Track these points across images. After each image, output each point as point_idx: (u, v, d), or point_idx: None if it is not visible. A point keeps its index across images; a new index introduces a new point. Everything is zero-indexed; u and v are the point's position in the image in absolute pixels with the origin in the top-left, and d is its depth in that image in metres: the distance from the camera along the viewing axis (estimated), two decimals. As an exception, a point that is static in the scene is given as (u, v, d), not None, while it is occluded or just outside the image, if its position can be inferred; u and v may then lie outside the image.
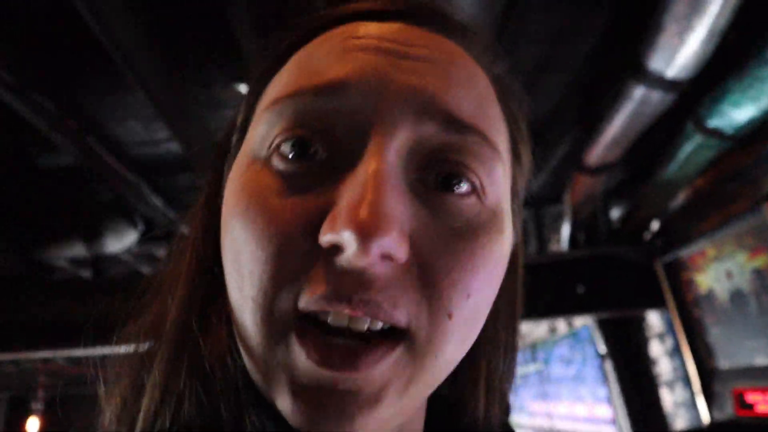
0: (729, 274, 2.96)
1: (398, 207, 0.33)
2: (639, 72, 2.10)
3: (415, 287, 0.34)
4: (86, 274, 4.02)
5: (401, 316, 0.33)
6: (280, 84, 0.40)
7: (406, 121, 0.36)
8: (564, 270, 3.56)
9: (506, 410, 0.53)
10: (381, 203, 0.31)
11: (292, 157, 0.36)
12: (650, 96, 2.17)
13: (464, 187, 0.37)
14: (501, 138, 0.41)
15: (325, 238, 0.32)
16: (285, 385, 0.33)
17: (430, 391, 0.39)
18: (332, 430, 0.32)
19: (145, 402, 0.38)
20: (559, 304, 3.53)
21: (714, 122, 2.29)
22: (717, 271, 3.05)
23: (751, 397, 2.81)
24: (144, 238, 3.57)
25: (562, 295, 3.52)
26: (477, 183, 0.38)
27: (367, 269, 0.32)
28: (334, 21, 0.43)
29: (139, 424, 0.38)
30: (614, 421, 4.01)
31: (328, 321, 0.33)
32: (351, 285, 0.32)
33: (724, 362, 3.03)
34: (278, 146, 0.37)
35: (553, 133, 3.06)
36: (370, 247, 0.30)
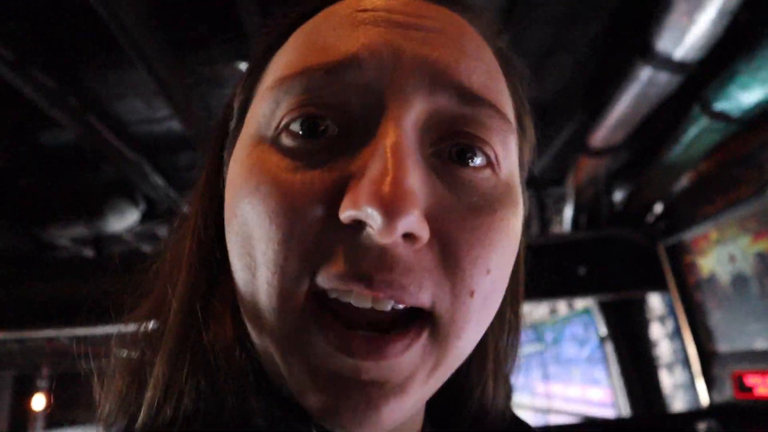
0: (732, 258, 2.96)
1: (419, 183, 0.32)
2: (646, 53, 2.08)
3: (437, 266, 0.33)
4: (89, 253, 4.03)
5: (425, 299, 0.32)
6: (284, 62, 0.39)
7: (421, 93, 0.35)
8: (566, 252, 3.55)
9: (509, 393, 0.52)
10: (404, 179, 0.30)
11: (303, 134, 0.35)
12: (657, 77, 2.15)
13: (479, 160, 0.37)
14: (509, 109, 0.41)
15: (347, 213, 0.31)
16: (304, 373, 0.32)
17: (449, 374, 0.38)
18: (357, 421, 0.31)
19: (147, 394, 0.37)
20: (560, 286, 3.54)
21: (721, 105, 2.27)
22: (719, 255, 3.05)
23: (750, 380, 2.83)
24: (146, 219, 3.57)
25: (563, 277, 3.53)
26: (492, 156, 0.37)
27: (389, 248, 0.31)
28: None
29: (142, 416, 0.37)
30: (613, 404, 4.05)
31: (351, 302, 0.32)
32: (373, 264, 0.31)
33: (724, 345, 3.05)
34: (287, 125, 0.36)
35: (557, 115, 3.04)
36: (396, 225, 0.29)
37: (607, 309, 4.09)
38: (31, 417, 7.74)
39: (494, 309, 0.38)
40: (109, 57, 2.32)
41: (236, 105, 0.45)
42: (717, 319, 3.07)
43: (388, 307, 0.32)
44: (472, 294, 0.34)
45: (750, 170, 2.69)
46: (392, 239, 0.30)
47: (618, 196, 3.62)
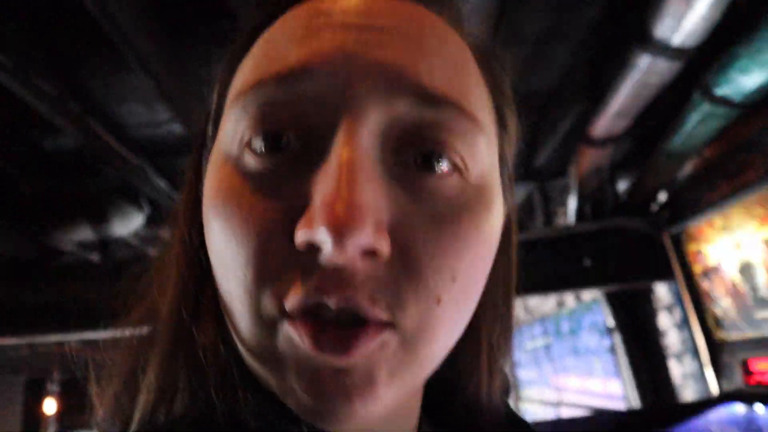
0: (738, 245, 2.94)
1: (375, 198, 0.31)
2: (644, 40, 2.06)
3: (399, 277, 0.32)
4: (95, 257, 4.06)
5: (381, 313, 0.32)
6: (244, 72, 0.38)
7: (377, 100, 0.34)
8: (571, 243, 3.55)
9: (506, 388, 0.52)
10: (354, 197, 0.30)
11: (264, 151, 0.35)
12: (656, 64, 2.13)
13: (444, 165, 0.35)
14: (481, 106, 0.39)
15: (300, 238, 0.31)
16: (282, 371, 0.33)
17: (427, 372, 0.38)
18: (333, 410, 0.31)
19: (140, 399, 0.38)
20: (565, 278, 3.53)
21: (722, 90, 2.25)
22: (725, 242, 3.03)
23: (759, 367, 2.82)
24: (150, 222, 3.59)
25: (568, 269, 3.52)
26: (458, 160, 0.36)
27: (346, 266, 0.31)
28: None
29: (135, 421, 0.37)
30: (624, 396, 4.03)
31: (317, 314, 0.32)
32: (330, 284, 0.31)
33: (732, 334, 3.03)
34: (248, 143, 0.35)
35: (558, 105, 3.02)
36: (345, 245, 0.29)
37: (614, 300, 4.08)
38: (43, 421, 7.82)
39: (469, 312, 0.38)
40: (108, 61, 2.33)
41: (212, 114, 0.45)
42: (724, 306, 3.05)
43: (351, 317, 0.32)
44: (438, 301, 0.34)
45: (754, 155, 2.67)
46: (345, 258, 0.30)
47: (622, 185, 3.61)
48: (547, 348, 5.87)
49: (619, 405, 4.16)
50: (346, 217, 0.29)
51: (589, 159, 3.08)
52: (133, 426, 0.37)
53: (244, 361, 0.37)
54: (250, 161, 0.35)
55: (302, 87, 0.34)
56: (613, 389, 4.31)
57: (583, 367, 4.97)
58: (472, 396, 0.49)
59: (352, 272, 0.31)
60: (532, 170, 3.78)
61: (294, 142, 0.35)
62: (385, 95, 0.34)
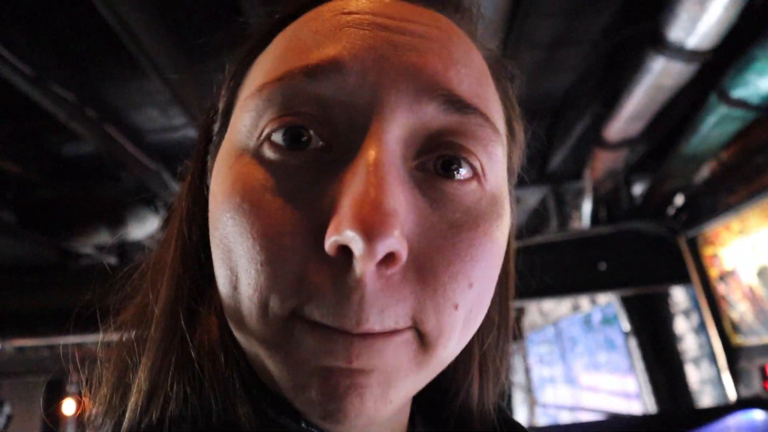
0: (755, 249, 2.89)
1: (400, 202, 0.32)
2: (658, 43, 2.04)
3: (417, 285, 0.33)
4: (112, 260, 4.11)
5: (403, 322, 0.32)
6: (265, 67, 0.38)
7: (406, 104, 0.34)
8: (586, 247, 3.51)
9: (502, 393, 0.52)
10: (384, 200, 0.30)
11: (286, 146, 0.34)
12: (671, 67, 2.11)
13: (464, 172, 0.36)
14: (498, 116, 0.40)
15: (331, 239, 0.30)
16: (292, 371, 0.33)
17: (432, 377, 0.38)
18: (345, 411, 0.31)
19: (131, 399, 0.37)
20: (580, 282, 3.50)
21: (738, 92, 2.22)
22: (742, 246, 2.98)
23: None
24: (165, 225, 3.62)
25: (584, 273, 3.48)
26: (478, 167, 0.36)
27: (367, 283, 0.30)
28: None
29: (126, 421, 0.37)
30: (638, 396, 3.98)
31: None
32: (355, 309, 0.31)
33: (750, 338, 2.98)
34: (269, 136, 0.35)
35: (572, 108, 3.00)
36: (376, 248, 0.29)
37: (630, 304, 4.03)
38: (62, 422, 7.92)
39: (480, 317, 0.38)
40: (124, 68, 2.37)
41: (220, 108, 0.44)
42: (742, 311, 3.00)
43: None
44: (456, 307, 0.34)
45: (772, 158, 2.63)
46: (374, 261, 0.30)
47: (637, 189, 3.57)
48: (562, 352, 5.82)
49: (635, 409, 4.10)
50: (376, 221, 0.29)
51: (604, 162, 3.05)
52: (124, 425, 0.37)
53: (247, 360, 0.37)
54: (271, 155, 0.35)
55: (331, 82, 0.34)
56: (629, 394, 4.25)
57: (598, 371, 4.91)
58: (464, 400, 0.49)
59: (373, 295, 0.31)
60: (547, 174, 3.75)
61: (315, 140, 0.35)
62: (414, 99, 0.34)
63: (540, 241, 3.56)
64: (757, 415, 2.67)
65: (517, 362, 6.63)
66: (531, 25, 2.24)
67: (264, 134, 0.35)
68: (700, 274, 3.30)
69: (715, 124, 2.48)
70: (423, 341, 0.34)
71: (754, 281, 2.94)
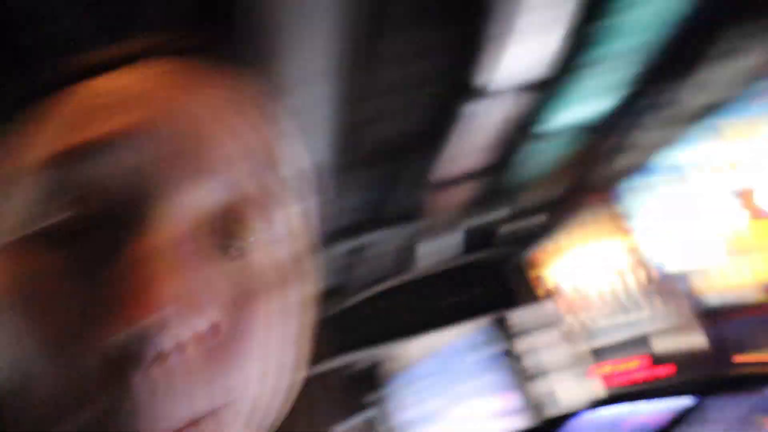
0: (568, 267, 3.28)
1: (194, 281, 0.29)
2: (471, 88, 2.27)
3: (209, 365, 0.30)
4: None
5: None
6: (46, 136, 0.33)
7: (188, 178, 0.32)
8: (431, 285, 3.68)
9: None
10: (175, 281, 0.28)
11: (61, 234, 0.30)
12: (487, 108, 2.36)
13: (244, 243, 0.34)
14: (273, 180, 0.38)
15: (124, 330, 0.27)
16: None
17: None
18: None
19: None
20: (428, 319, 3.64)
21: (545, 126, 2.54)
22: (559, 266, 3.37)
23: (606, 370, 3.14)
24: None
25: (430, 310, 3.64)
26: (263, 236, 0.35)
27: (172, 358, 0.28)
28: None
29: None
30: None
31: None
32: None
33: (584, 344, 3.35)
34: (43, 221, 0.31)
35: (407, 151, 3.17)
36: (183, 329, 0.27)
37: (492, 327, 4.27)
38: None
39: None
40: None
41: None
42: (571, 322, 3.36)
43: None
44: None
45: (585, 189, 3.03)
46: (185, 339, 0.27)
47: (475, 221, 3.86)
48: (441, 380, 5.86)
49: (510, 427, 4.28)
50: (182, 303, 0.27)
51: (441, 201, 3.26)
52: None
53: None
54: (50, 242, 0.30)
55: (107, 158, 0.30)
56: (502, 412, 4.46)
57: (486, 386, 5.03)
58: None
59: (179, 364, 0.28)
60: (387, 216, 3.88)
61: (93, 222, 0.30)
62: (193, 175, 0.32)
63: (383, 287, 3.66)
64: (603, 412, 2.99)
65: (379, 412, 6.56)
66: (372, 72, 2.34)
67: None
68: (530, 295, 3.63)
69: (538, 153, 2.80)
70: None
71: (574, 294, 3.32)
